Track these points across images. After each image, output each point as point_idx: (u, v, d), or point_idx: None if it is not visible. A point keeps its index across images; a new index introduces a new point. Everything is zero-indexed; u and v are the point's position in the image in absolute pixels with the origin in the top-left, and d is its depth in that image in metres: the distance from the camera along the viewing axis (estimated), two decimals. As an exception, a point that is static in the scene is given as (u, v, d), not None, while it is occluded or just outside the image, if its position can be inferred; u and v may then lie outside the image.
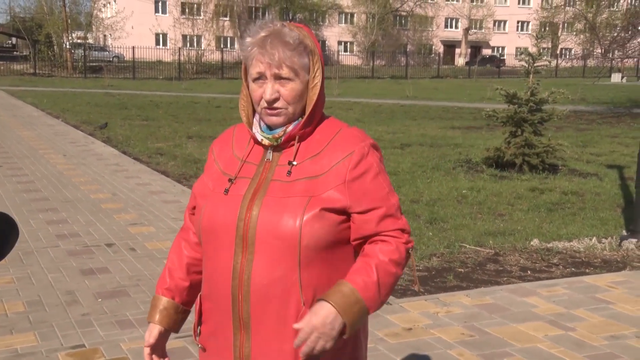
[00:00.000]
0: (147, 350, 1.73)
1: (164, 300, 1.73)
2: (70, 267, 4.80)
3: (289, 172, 1.56)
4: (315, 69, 1.57)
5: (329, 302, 1.49)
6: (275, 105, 1.55)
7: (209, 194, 1.62)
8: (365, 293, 1.51)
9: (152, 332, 1.72)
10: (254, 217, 1.53)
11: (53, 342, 3.53)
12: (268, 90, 1.53)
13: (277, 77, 1.53)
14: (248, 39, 1.56)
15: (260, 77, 1.54)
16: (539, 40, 9.71)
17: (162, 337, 1.73)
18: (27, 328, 3.70)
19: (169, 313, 1.72)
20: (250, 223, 1.53)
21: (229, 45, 52.82)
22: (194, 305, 1.73)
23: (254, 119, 1.63)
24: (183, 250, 1.75)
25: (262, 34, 1.54)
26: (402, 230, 1.59)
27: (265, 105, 1.55)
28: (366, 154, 1.57)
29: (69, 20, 40.79)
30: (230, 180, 1.60)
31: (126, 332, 3.67)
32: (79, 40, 40.92)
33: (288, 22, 1.61)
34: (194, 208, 1.71)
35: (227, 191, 1.58)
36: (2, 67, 36.04)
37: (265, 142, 1.59)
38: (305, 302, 1.54)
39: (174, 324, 1.74)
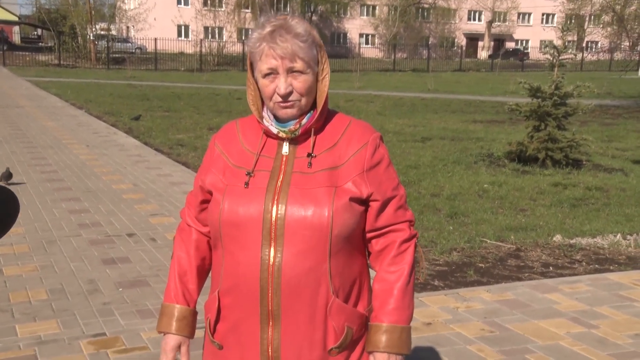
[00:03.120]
0: None
1: (180, 309, 1.68)
2: (91, 256, 4.86)
3: (310, 164, 1.56)
4: (324, 61, 1.57)
5: (381, 352, 1.59)
6: (290, 98, 1.53)
7: (223, 187, 1.59)
8: (400, 317, 1.60)
9: (170, 343, 1.67)
10: (282, 209, 1.52)
11: (75, 329, 3.57)
12: (282, 84, 1.51)
13: (290, 71, 1.51)
14: (255, 35, 1.53)
15: (272, 72, 1.52)
16: (564, 33, 9.56)
17: (180, 347, 1.69)
18: (50, 315, 3.75)
19: (189, 321, 1.69)
20: (278, 215, 1.52)
21: (250, 37, 52.79)
22: (208, 303, 1.67)
23: (264, 112, 1.61)
24: (190, 252, 1.71)
25: (269, 28, 1.51)
26: (410, 222, 1.65)
27: (279, 99, 1.53)
28: (378, 145, 1.62)
29: (93, 12, 41.11)
30: (248, 173, 1.58)
31: (146, 321, 3.69)
32: (102, 32, 41.26)
33: (290, 15, 1.57)
34: (202, 203, 1.67)
35: (247, 184, 1.56)
36: (27, 58, 36.51)
37: (282, 134, 1.58)
38: (334, 291, 1.56)
39: (193, 331, 1.71)
